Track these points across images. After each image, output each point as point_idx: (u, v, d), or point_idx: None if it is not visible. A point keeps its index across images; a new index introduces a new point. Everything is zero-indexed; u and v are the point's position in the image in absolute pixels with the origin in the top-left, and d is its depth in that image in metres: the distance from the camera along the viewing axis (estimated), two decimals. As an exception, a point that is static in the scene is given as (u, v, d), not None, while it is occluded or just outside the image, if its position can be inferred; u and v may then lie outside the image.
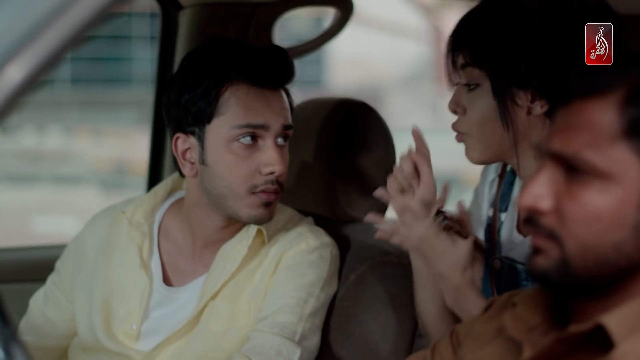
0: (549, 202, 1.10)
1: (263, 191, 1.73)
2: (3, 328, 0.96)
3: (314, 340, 1.78)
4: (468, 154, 1.67)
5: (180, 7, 2.39)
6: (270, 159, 1.72)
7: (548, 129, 1.15)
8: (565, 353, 1.11)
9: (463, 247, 1.62)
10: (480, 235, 1.80)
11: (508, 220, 1.74)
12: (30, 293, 2.00)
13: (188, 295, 1.81)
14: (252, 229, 1.79)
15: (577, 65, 1.53)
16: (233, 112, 1.72)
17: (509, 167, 1.78)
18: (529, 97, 1.59)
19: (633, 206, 1.06)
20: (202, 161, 1.75)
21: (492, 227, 1.77)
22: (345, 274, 1.89)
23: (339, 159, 2.00)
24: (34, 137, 12.66)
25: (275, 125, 1.74)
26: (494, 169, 1.82)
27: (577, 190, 1.09)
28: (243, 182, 1.73)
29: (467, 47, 1.62)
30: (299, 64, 1.87)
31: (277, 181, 1.74)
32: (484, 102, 1.61)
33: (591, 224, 1.07)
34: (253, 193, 1.73)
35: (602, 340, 1.07)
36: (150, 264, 1.84)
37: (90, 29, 0.99)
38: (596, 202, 1.07)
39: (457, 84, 1.66)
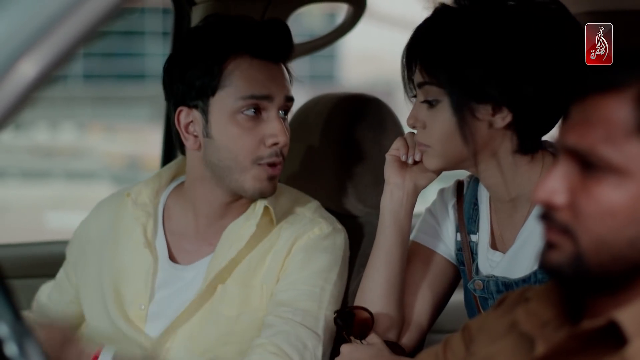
0: (564, 197, 1.10)
1: (267, 164, 1.74)
2: (16, 323, 0.96)
3: (332, 333, 1.78)
4: (427, 162, 1.69)
5: (193, 3, 2.39)
6: (274, 130, 1.74)
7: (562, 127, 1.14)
8: (578, 349, 1.11)
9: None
10: (451, 254, 1.81)
11: (481, 241, 1.75)
12: (43, 288, 2.01)
13: (193, 274, 1.81)
14: (259, 208, 1.79)
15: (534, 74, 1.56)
16: (237, 84, 1.74)
17: (465, 190, 1.79)
18: (490, 111, 1.60)
19: (648, 202, 1.06)
20: (206, 134, 1.76)
21: (464, 250, 1.77)
22: (357, 268, 1.89)
23: (350, 154, 2.00)
24: (46, 133, 12.68)
25: (279, 96, 1.75)
26: (451, 193, 1.82)
27: (592, 185, 1.08)
28: (248, 153, 1.74)
29: (422, 65, 1.63)
30: (311, 59, 1.87)
31: (281, 152, 1.75)
32: (444, 117, 1.62)
33: (606, 220, 1.07)
34: (259, 164, 1.74)
35: (616, 337, 1.06)
36: (154, 243, 1.84)
37: (103, 25, 0.99)
38: (611, 197, 1.07)
39: (413, 97, 1.68)
